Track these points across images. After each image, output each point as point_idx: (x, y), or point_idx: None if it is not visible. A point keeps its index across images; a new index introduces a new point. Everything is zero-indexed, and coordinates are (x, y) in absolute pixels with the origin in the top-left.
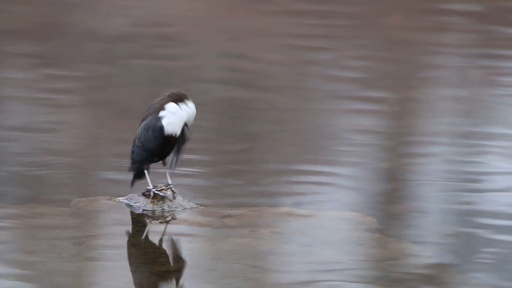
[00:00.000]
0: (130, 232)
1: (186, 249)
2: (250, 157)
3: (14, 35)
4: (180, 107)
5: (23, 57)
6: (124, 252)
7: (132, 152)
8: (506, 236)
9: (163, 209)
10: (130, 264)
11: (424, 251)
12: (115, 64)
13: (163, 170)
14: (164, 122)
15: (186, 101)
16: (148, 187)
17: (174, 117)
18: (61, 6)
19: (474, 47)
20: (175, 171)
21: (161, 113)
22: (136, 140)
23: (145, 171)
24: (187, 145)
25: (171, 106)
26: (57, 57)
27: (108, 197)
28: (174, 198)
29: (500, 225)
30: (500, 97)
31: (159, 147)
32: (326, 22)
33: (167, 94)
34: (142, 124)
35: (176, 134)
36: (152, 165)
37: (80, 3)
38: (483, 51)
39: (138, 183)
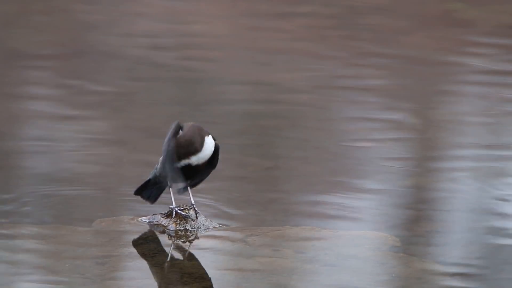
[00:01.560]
0: (153, 252)
1: (209, 269)
2: (273, 176)
3: (38, 57)
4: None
5: (47, 78)
6: (147, 272)
7: (161, 170)
8: None
9: (185, 228)
10: (153, 284)
11: (447, 270)
12: (137, 84)
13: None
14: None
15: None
16: (171, 206)
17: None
18: (83, 26)
19: (495, 64)
20: (198, 189)
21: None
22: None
23: (170, 190)
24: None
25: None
26: (80, 77)
27: (131, 217)
28: (197, 217)
29: None
30: None
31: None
32: (348, 42)
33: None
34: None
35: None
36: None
37: (102, 23)
38: (504, 68)
39: (160, 200)
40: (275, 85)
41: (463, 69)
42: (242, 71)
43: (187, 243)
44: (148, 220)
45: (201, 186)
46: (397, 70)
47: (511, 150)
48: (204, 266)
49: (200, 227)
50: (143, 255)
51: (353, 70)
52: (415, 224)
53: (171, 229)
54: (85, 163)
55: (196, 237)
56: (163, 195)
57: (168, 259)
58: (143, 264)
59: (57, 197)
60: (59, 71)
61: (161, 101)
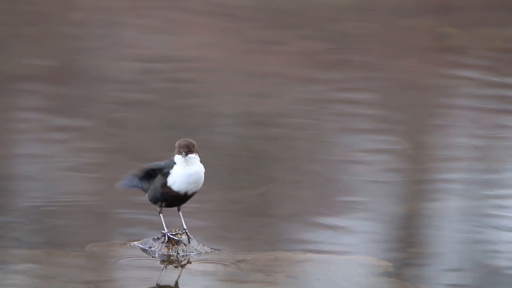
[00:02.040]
0: (145, 277)
1: None
2: (266, 201)
3: (29, 80)
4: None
5: (38, 101)
6: None
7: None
8: None
9: (178, 253)
10: None
11: None
12: (129, 108)
13: (178, 216)
14: (170, 179)
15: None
16: (163, 231)
17: (181, 178)
18: (74, 51)
19: (487, 89)
20: (190, 215)
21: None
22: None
23: (160, 215)
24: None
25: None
26: (71, 101)
27: (123, 242)
28: (189, 242)
29: None
30: None
31: (163, 196)
32: (340, 67)
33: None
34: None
35: (181, 193)
36: (166, 210)
37: (93, 47)
38: (497, 94)
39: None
40: (267, 109)
41: (454, 92)
42: (234, 95)
43: (179, 268)
44: (141, 245)
45: (193, 211)
46: (389, 94)
47: (502, 173)
48: None
49: (192, 252)
50: (135, 280)
51: (345, 94)
52: (407, 248)
53: (164, 253)
54: (77, 187)
55: (188, 262)
56: (154, 220)
57: (161, 284)
58: None
59: (49, 221)
60: (50, 94)
61: (152, 125)
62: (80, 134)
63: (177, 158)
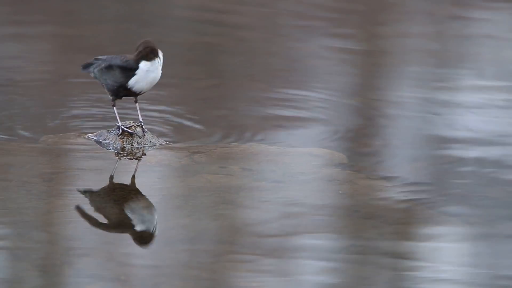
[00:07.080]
0: (100, 168)
1: (156, 186)
2: (220, 94)
3: None
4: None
5: None
6: (94, 189)
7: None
8: (474, 168)
9: (132, 145)
10: (100, 201)
11: (393, 186)
12: (83, 1)
13: (134, 106)
14: (132, 80)
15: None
16: (117, 124)
17: (144, 79)
18: None
19: None
20: (145, 108)
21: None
22: (104, 65)
23: (114, 108)
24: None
25: (144, 64)
26: None
27: (78, 134)
28: (144, 135)
29: (469, 158)
30: (467, 31)
31: (117, 91)
32: None
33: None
34: (118, 61)
35: (137, 91)
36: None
37: None
38: None
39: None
40: (222, 3)
41: None
42: None
43: (134, 160)
44: (95, 137)
45: (148, 105)
46: None
47: (455, 66)
48: (150, 183)
49: (147, 144)
50: (90, 172)
51: None
52: (362, 140)
53: (118, 146)
54: (30, 79)
55: (143, 154)
56: (110, 113)
57: (115, 176)
58: (89, 181)
59: (1, 113)
60: None
61: (107, 18)
62: (34, 25)
63: (149, 64)
